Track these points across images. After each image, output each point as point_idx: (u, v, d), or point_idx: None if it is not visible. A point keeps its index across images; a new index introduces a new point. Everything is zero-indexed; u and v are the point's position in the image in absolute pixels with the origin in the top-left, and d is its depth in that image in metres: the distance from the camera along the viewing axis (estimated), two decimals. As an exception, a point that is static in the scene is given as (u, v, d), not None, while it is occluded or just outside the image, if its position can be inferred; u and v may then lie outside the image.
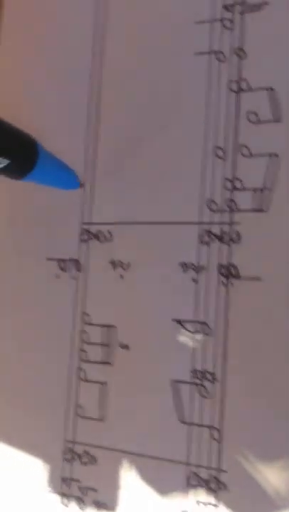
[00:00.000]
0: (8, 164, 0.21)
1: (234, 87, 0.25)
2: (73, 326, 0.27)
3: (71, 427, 0.26)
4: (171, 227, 0.25)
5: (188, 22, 0.26)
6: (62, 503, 0.26)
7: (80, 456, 0.26)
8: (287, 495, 0.21)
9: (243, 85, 0.24)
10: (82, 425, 0.26)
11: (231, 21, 0.25)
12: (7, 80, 0.30)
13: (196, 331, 0.24)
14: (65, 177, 0.25)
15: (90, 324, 0.26)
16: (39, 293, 0.28)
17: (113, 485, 0.25)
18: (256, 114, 0.24)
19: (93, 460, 0.25)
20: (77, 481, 0.26)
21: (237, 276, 0.23)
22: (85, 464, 0.26)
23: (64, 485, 0.26)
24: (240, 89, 0.24)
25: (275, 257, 0.23)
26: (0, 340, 0.28)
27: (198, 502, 0.23)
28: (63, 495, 0.26)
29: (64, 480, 0.26)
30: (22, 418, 0.27)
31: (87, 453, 0.26)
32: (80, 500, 0.26)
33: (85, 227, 0.27)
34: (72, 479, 0.26)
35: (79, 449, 0.26)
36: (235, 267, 0.24)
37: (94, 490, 0.25)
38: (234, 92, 0.25)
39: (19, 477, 0.27)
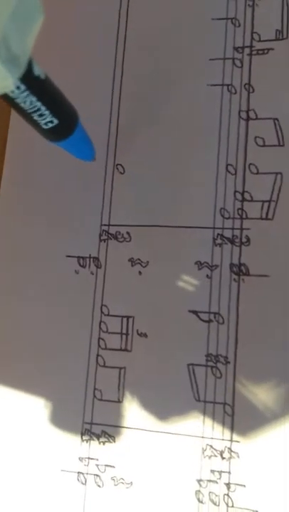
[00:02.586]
0: (56, 125, 0.23)
1: (244, 115, 0.29)
2: (92, 318, 0.29)
3: (90, 409, 0.28)
4: (187, 231, 0.29)
5: (203, 58, 0.30)
6: (79, 480, 0.28)
7: (98, 437, 0.28)
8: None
9: (252, 115, 0.29)
10: (101, 408, 0.28)
11: (241, 61, 0.30)
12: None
13: (210, 320, 0.28)
14: (87, 149, 0.27)
15: (109, 315, 0.29)
16: (60, 288, 0.30)
17: (131, 460, 0.27)
18: (263, 139, 0.29)
19: (111, 439, 0.28)
20: (95, 459, 0.28)
21: (247, 274, 0.27)
22: (103, 443, 0.28)
23: (81, 464, 0.28)
24: (248, 118, 0.29)
25: (281, 257, 0.27)
26: (25, 331, 0.30)
27: (212, 471, 0.26)
28: (80, 473, 0.28)
29: (81, 459, 0.28)
30: (43, 403, 0.29)
31: (105, 433, 0.28)
32: (98, 477, 0.28)
33: (104, 228, 0.30)
34: (89, 458, 0.28)
35: (97, 429, 0.28)
36: (245, 266, 0.28)
37: (112, 467, 0.28)
38: (244, 119, 0.29)
39: (36, 458, 0.29)
